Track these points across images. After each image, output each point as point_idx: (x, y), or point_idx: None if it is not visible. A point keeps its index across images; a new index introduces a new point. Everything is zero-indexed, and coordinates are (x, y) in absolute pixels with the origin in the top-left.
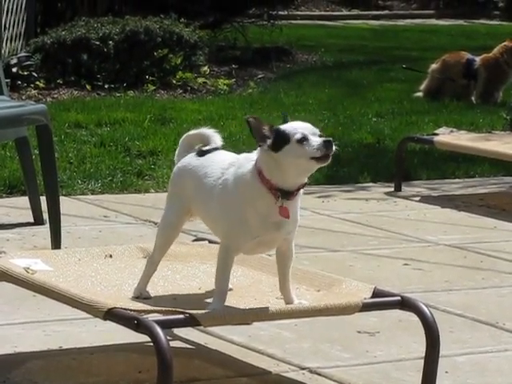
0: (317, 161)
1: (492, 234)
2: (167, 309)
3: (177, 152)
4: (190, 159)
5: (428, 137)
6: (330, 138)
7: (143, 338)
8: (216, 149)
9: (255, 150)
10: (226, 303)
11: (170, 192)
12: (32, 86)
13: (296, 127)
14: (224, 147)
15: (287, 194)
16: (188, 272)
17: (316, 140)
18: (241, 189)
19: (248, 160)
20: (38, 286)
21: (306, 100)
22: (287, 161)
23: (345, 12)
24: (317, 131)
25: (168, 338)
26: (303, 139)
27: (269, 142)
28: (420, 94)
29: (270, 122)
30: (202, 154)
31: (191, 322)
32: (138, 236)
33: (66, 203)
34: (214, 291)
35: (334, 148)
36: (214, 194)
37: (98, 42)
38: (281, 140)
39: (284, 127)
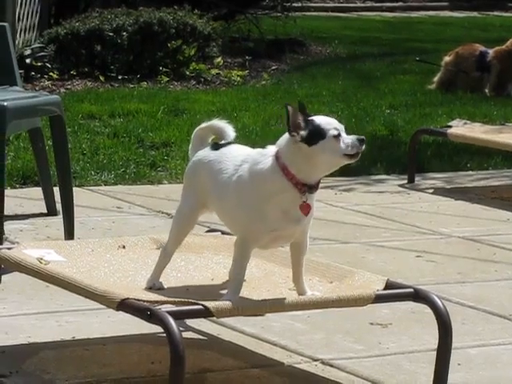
0: (349, 157)
1: (505, 227)
2: (180, 300)
3: (190, 146)
4: (205, 153)
5: (441, 129)
6: (363, 137)
7: (156, 329)
8: (230, 143)
9: (268, 145)
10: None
11: (185, 185)
12: (46, 76)
13: (330, 122)
14: (237, 138)
15: (311, 188)
16: (201, 263)
17: (350, 137)
18: (261, 184)
19: (263, 155)
20: (51, 276)
21: (319, 92)
22: (321, 156)
23: (359, 4)
24: (343, 127)
25: (180, 328)
26: (338, 135)
27: (302, 133)
28: (433, 86)
29: (305, 112)
30: (216, 147)
31: (204, 313)
32: (151, 227)
33: (79, 194)
34: (228, 283)
35: (364, 146)
36: (228, 191)
37: (111, 34)
38: (316, 134)
39: (318, 121)
